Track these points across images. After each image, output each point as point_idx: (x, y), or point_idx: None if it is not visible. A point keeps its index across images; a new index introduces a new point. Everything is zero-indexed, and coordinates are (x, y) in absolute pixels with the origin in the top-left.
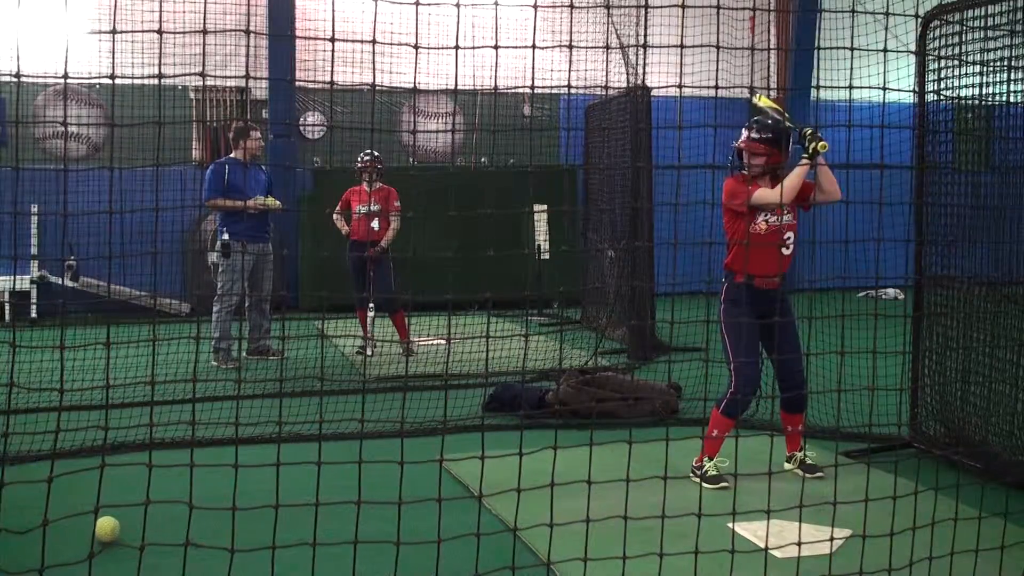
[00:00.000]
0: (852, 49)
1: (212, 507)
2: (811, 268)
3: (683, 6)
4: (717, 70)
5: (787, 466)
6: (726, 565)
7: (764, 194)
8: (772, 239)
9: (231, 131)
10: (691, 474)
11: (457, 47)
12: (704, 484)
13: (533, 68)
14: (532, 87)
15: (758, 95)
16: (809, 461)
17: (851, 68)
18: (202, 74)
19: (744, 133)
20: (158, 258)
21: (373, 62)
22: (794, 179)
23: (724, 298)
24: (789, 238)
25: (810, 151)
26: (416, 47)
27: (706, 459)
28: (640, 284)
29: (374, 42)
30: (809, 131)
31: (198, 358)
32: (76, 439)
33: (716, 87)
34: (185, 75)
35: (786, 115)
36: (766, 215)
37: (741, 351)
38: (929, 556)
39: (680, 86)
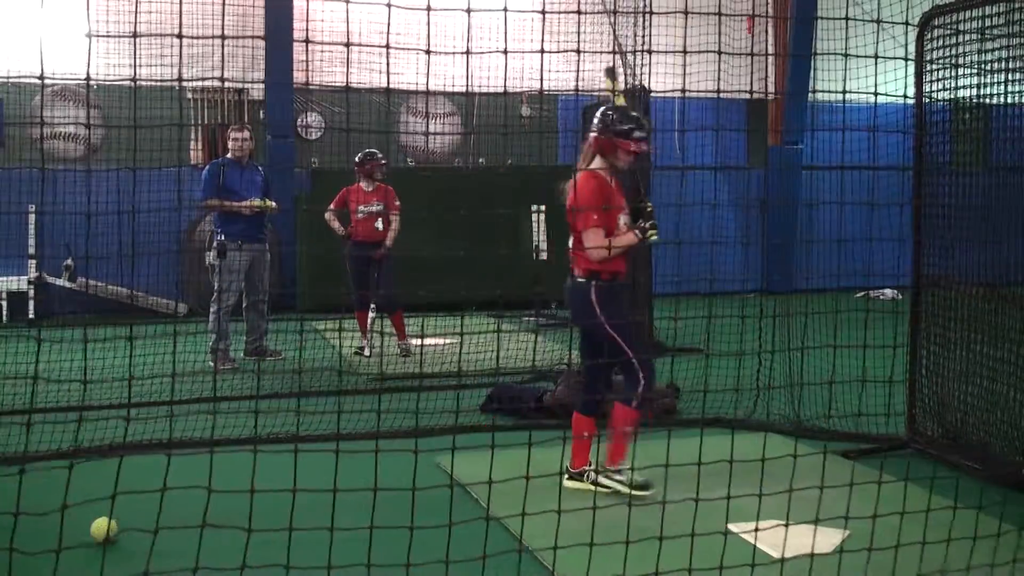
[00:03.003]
0: (847, 55)
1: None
2: (809, 268)
3: (686, 12)
4: (684, 73)
5: (572, 485)
6: (723, 566)
7: (593, 237)
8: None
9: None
10: (603, 477)
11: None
12: (635, 492)
13: (505, 68)
14: (505, 87)
15: (618, 93)
16: (604, 480)
17: (846, 69)
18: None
19: (637, 134)
20: (154, 259)
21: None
22: (621, 244)
23: (598, 301)
24: None
25: (644, 236)
26: (424, 25)
27: (623, 464)
28: (638, 284)
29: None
30: (650, 208)
31: (174, 357)
32: (50, 441)
33: (683, 87)
34: (187, 79)
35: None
36: (626, 219)
37: (637, 347)
38: (925, 548)
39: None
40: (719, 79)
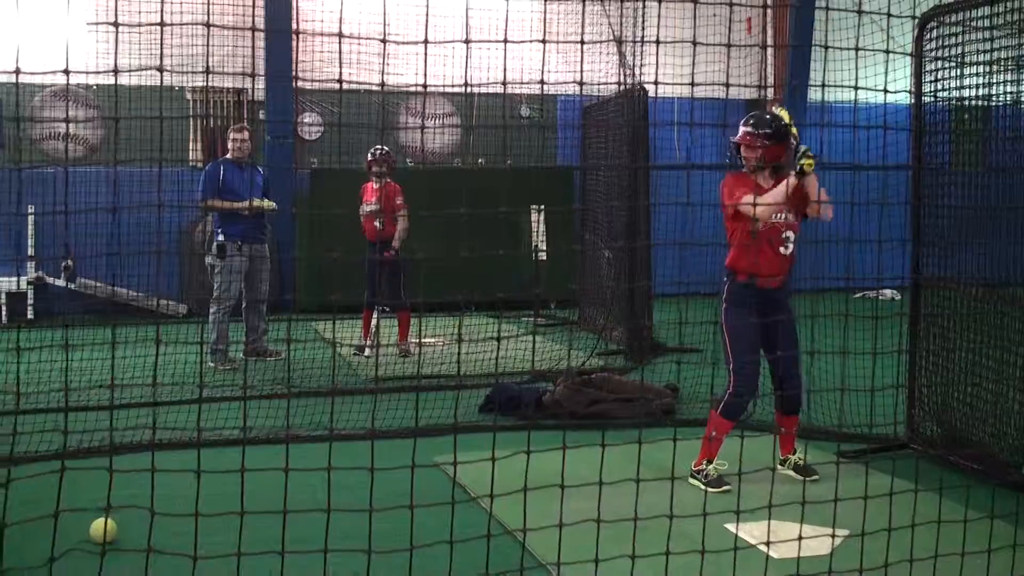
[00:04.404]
0: (836, 48)
1: (168, 513)
2: (810, 269)
3: (695, 2)
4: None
5: (781, 469)
6: (723, 566)
7: (744, 207)
8: (771, 236)
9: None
10: (691, 477)
11: (428, 40)
12: (707, 488)
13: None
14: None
15: (779, 107)
16: (802, 463)
17: (826, 70)
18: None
19: (741, 128)
20: (154, 259)
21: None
22: (776, 194)
23: (726, 299)
24: (788, 237)
25: (798, 168)
26: (384, 40)
27: (705, 462)
28: (638, 284)
29: (340, 34)
30: (804, 148)
31: (158, 360)
32: (37, 442)
33: (691, 84)
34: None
35: (793, 129)
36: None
37: (741, 352)
38: (922, 557)
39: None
40: (728, 75)
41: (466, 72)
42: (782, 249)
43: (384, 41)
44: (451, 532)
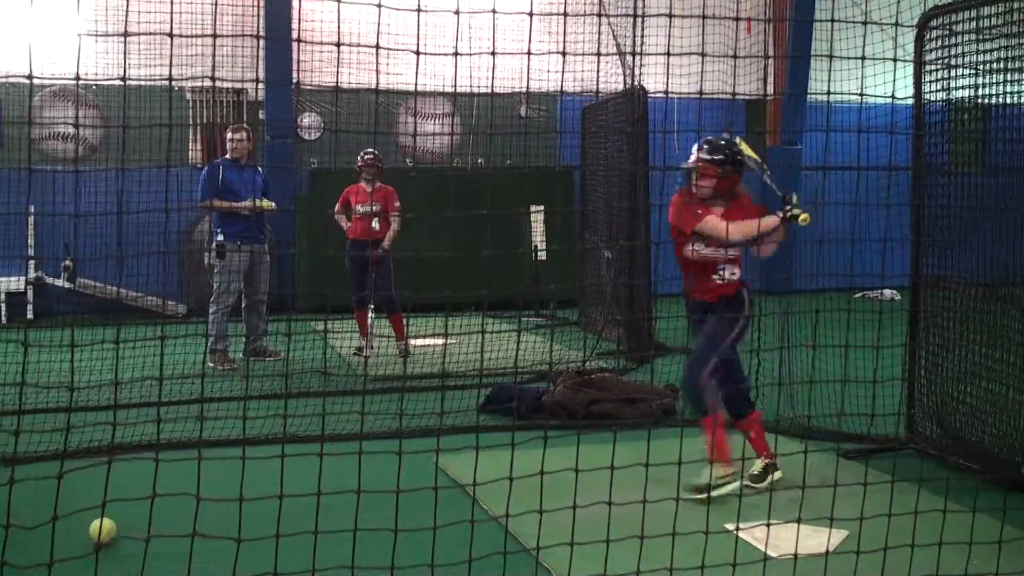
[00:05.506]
0: (843, 58)
1: (214, 498)
2: (813, 269)
3: (703, 16)
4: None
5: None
6: (723, 566)
7: (712, 225)
8: (703, 266)
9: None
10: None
11: (457, 52)
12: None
13: (487, 71)
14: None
15: (739, 139)
16: (757, 472)
17: (828, 71)
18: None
19: (694, 153)
20: (153, 259)
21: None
22: (751, 226)
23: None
24: (724, 269)
25: (788, 216)
26: (417, 52)
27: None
28: (637, 284)
29: (377, 47)
30: (795, 198)
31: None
32: (80, 439)
33: (702, 91)
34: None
35: (764, 167)
36: (701, 244)
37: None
38: (921, 549)
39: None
40: (734, 81)
41: (492, 81)
42: (715, 277)
43: (418, 53)
44: (472, 514)
